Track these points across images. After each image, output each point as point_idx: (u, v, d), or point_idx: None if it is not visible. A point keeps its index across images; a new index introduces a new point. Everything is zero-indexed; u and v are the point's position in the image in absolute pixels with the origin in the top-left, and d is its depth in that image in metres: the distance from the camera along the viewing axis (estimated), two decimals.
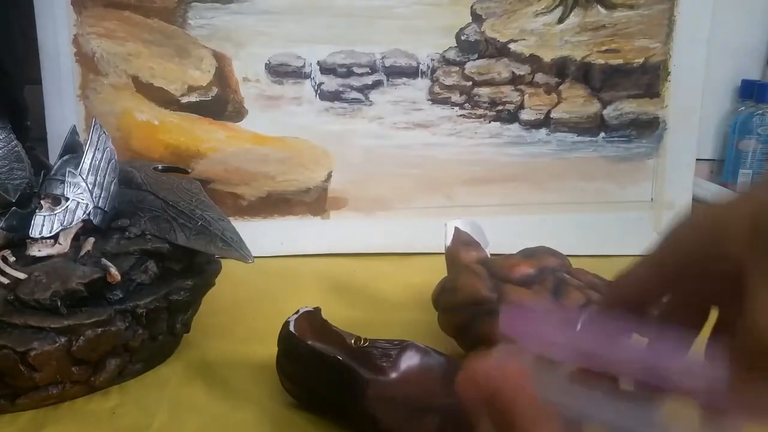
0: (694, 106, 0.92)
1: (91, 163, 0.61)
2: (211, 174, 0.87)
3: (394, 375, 0.51)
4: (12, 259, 0.57)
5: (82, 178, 0.61)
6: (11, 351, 0.50)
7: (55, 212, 0.59)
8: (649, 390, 0.28)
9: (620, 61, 0.90)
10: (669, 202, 0.92)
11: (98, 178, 0.62)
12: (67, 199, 0.59)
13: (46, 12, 0.82)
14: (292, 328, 0.53)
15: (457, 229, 0.66)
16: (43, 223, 0.58)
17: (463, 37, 0.89)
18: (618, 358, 0.28)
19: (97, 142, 0.62)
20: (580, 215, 0.90)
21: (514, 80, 0.90)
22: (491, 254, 0.66)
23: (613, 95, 0.91)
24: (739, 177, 1.05)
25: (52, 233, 0.58)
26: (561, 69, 0.90)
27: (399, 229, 0.89)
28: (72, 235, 0.59)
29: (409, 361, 0.53)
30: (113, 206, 0.63)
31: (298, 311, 0.55)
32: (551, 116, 0.91)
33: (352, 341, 0.54)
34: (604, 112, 0.91)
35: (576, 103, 0.91)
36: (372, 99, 0.89)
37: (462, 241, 0.65)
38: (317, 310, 0.56)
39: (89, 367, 0.55)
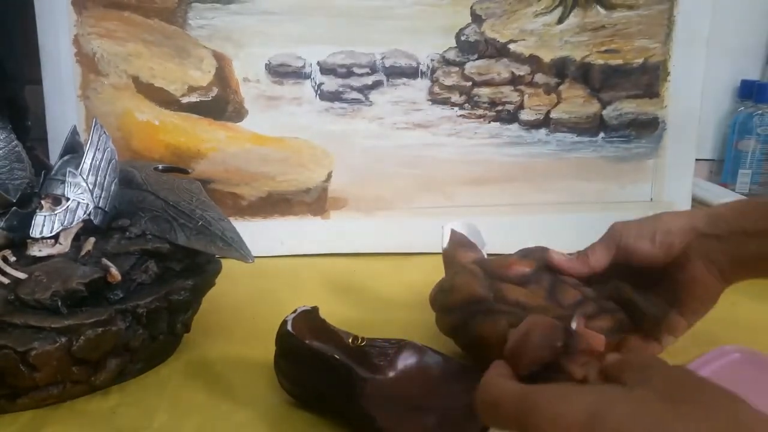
0: (693, 106, 0.92)
1: (91, 163, 0.62)
2: (212, 174, 0.87)
3: (391, 374, 0.51)
4: (12, 259, 0.57)
5: (83, 178, 0.61)
6: (12, 351, 0.51)
7: (56, 212, 0.59)
8: None
9: (620, 61, 0.91)
10: (668, 202, 0.93)
11: (99, 178, 0.62)
12: (67, 199, 0.60)
13: (47, 12, 0.83)
14: (289, 328, 0.53)
15: (453, 231, 0.66)
16: (44, 223, 0.58)
17: (462, 38, 0.89)
18: None
19: (98, 142, 0.62)
20: (580, 215, 0.90)
21: (514, 80, 0.90)
22: (490, 254, 0.66)
23: (613, 95, 0.91)
24: (739, 177, 1.05)
25: (53, 233, 0.58)
26: (560, 69, 0.90)
27: (399, 229, 0.89)
28: (72, 235, 0.59)
29: (407, 360, 0.53)
30: (114, 206, 0.63)
31: (295, 310, 0.55)
32: (551, 116, 0.91)
33: (350, 340, 0.55)
34: (604, 112, 0.91)
35: (575, 103, 0.91)
36: (372, 99, 0.89)
37: (458, 242, 0.65)
38: (315, 310, 0.56)
39: (89, 366, 0.55)
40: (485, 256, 0.64)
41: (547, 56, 0.90)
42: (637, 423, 0.28)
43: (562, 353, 0.36)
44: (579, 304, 0.56)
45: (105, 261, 0.56)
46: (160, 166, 0.71)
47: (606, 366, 0.35)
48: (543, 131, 0.91)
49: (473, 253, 0.64)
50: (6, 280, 0.55)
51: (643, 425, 0.28)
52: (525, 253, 0.62)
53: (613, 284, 0.58)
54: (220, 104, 0.87)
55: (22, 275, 0.55)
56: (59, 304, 0.53)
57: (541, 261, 0.60)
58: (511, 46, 0.89)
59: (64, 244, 0.59)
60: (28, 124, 0.75)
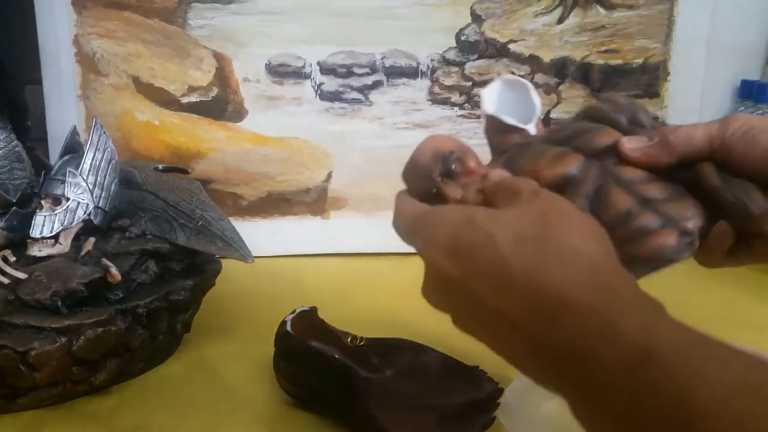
0: (693, 106, 0.92)
1: (91, 163, 0.62)
2: (212, 174, 0.87)
3: (390, 373, 0.51)
4: (12, 259, 0.57)
5: (83, 179, 0.61)
6: (12, 351, 0.51)
7: (56, 212, 0.59)
8: None
9: (620, 61, 0.90)
10: None
11: (99, 178, 0.62)
12: (67, 199, 0.60)
13: (47, 12, 0.83)
14: (288, 328, 0.53)
15: (490, 117, 0.48)
16: (44, 223, 0.58)
17: (462, 38, 0.89)
18: None
19: (98, 142, 0.63)
20: None
21: None
22: None
23: None
24: None
25: (53, 233, 0.58)
26: (560, 69, 0.90)
27: None
28: (72, 235, 0.60)
29: (406, 359, 0.53)
30: (114, 206, 0.63)
31: (294, 311, 0.55)
32: (551, 116, 0.91)
33: (348, 340, 0.55)
34: None
35: (576, 103, 0.91)
36: (372, 99, 0.89)
37: (497, 128, 0.48)
38: (313, 310, 0.56)
39: (89, 366, 0.55)
40: (533, 133, 0.46)
41: (547, 56, 0.90)
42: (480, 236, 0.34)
43: (445, 176, 0.39)
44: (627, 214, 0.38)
45: (105, 261, 0.57)
46: (160, 166, 0.71)
47: (484, 188, 0.39)
48: None
49: (517, 135, 0.46)
50: (6, 280, 0.55)
51: (475, 234, 0.34)
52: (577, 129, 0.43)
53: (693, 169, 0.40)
54: (220, 104, 0.87)
55: (22, 275, 0.55)
56: (59, 304, 0.53)
57: (594, 145, 0.41)
58: (511, 46, 0.89)
59: (64, 244, 0.59)
60: (28, 124, 0.75)
